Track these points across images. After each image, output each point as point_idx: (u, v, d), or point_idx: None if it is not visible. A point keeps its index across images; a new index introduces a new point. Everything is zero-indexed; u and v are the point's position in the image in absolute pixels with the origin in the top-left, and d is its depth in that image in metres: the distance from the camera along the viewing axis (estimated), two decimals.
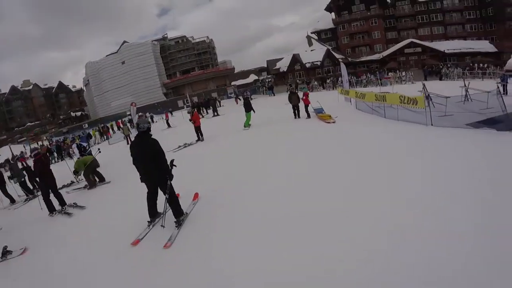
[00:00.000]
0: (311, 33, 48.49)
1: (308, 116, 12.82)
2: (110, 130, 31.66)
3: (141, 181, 4.51)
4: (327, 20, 49.73)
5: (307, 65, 43.00)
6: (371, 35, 47.19)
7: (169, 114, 27.27)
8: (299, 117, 13.11)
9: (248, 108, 13.06)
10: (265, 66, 48.06)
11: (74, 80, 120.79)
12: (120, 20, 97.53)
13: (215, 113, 23.18)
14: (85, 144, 10.98)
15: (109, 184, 8.43)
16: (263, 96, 36.50)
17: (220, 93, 44.60)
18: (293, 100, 13.12)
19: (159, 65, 54.58)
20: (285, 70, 43.99)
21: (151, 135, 4.56)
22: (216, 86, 49.77)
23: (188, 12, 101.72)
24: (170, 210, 4.44)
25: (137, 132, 4.56)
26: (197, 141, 12.05)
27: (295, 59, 43.56)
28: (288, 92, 15.40)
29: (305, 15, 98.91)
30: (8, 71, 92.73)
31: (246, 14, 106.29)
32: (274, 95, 33.72)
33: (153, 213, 4.57)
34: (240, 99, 30.67)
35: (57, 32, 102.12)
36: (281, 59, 45.55)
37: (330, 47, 45.42)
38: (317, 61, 43.18)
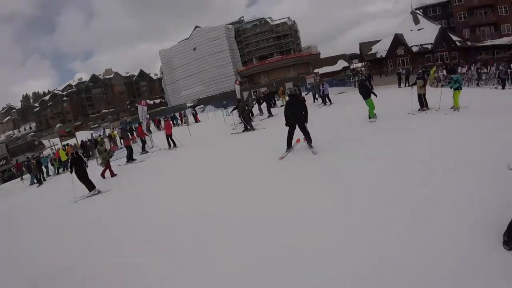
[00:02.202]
0: (415, 9, 39.56)
1: None
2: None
3: (286, 125, 7.53)
4: None
5: (414, 49, 34.71)
6: (497, 11, 36.61)
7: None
8: None
9: (365, 92, 9.82)
10: (356, 52, 40.31)
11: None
12: (210, 13, 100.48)
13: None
14: None
15: None
16: (354, 90, 28.49)
17: (295, 83, 38.29)
18: None
19: (234, 51, 50.59)
20: (383, 56, 36.31)
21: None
22: (297, 74, 43.76)
23: (277, 1, 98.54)
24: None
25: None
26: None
27: (398, 40, 35.52)
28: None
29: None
30: (106, 61, 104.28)
31: (335, 1, 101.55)
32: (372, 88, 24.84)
33: (290, 144, 7.69)
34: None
35: (151, 26, 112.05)
36: (378, 41, 37.80)
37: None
38: (427, 44, 34.62)
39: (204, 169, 8.25)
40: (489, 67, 18.29)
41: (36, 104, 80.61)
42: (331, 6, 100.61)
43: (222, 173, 7.40)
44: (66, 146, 21.46)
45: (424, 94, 10.29)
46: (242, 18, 52.99)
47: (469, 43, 36.46)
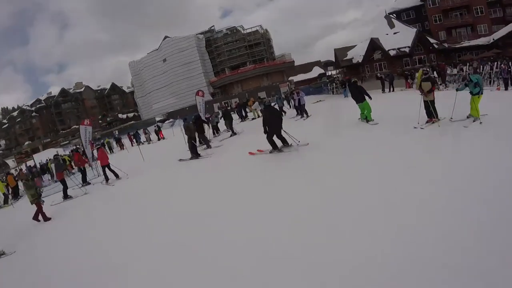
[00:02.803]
0: (389, 14, 38.15)
1: None
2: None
3: (265, 132, 8.05)
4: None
5: (391, 53, 33.00)
6: (472, 12, 35.64)
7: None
8: None
9: (358, 96, 9.44)
10: (331, 59, 38.37)
11: None
12: (185, 25, 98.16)
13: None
14: None
15: None
16: (332, 98, 25.17)
17: (270, 93, 36.14)
18: None
19: (205, 61, 48.09)
20: (359, 61, 34.47)
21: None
22: (272, 83, 41.53)
23: (250, 13, 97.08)
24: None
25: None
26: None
27: (374, 44, 33.71)
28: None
29: (368, 9, 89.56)
30: (80, 74, 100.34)
31: (307, 11, 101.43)
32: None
33: (275, 146, 8.24)
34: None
35: (125, 39, 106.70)
36: (353, 46, 36.00)
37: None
38: (404, 47, 33.00)
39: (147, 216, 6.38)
40: (481, 66, 16.45)
41: (5, 121, 75.96)
42: (302, 15, 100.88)
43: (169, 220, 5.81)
44: (7, 175, 18.39)
45: (433, 101, 7.97)
46: (213, 27, 50.67)
47: (446, 45, 35.27)
